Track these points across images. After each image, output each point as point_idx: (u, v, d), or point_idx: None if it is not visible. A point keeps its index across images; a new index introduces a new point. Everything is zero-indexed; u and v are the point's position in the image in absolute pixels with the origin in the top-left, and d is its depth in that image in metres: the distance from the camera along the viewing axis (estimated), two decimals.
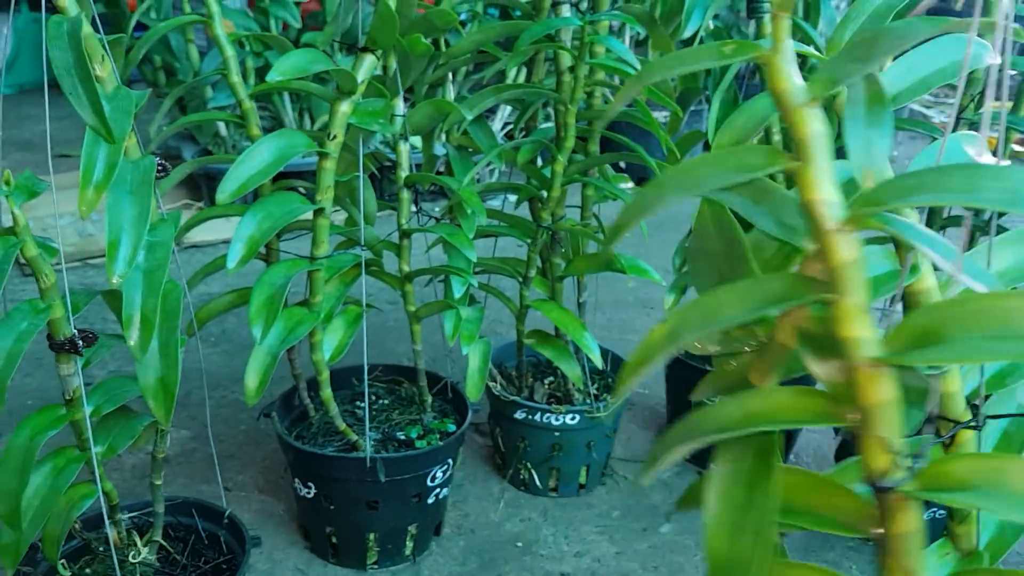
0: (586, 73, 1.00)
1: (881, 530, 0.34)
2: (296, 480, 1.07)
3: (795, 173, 0.35)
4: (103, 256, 1.05)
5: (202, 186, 2.25)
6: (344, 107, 0.90)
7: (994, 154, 0.42)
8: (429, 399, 1.15)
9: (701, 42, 1.16)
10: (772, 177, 0.38)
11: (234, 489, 1.26)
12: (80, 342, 0.73)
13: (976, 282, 0.31)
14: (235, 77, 0.95)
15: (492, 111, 2.18)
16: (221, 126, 2.20)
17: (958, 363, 0.44)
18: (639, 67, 0.99)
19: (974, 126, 1.11)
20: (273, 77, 0.80)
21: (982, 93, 1.14)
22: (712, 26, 1.17)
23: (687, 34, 1.06)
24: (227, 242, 0.84)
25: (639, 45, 2.23)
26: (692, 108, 1.48)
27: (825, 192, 0.34)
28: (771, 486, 0.34)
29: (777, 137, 1.11)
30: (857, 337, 0.34)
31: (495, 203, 1.89)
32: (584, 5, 1.06)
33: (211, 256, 1.31)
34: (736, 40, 0.40)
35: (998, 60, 0.38)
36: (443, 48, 1.14)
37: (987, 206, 0.30)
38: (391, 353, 1.61)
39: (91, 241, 2.01)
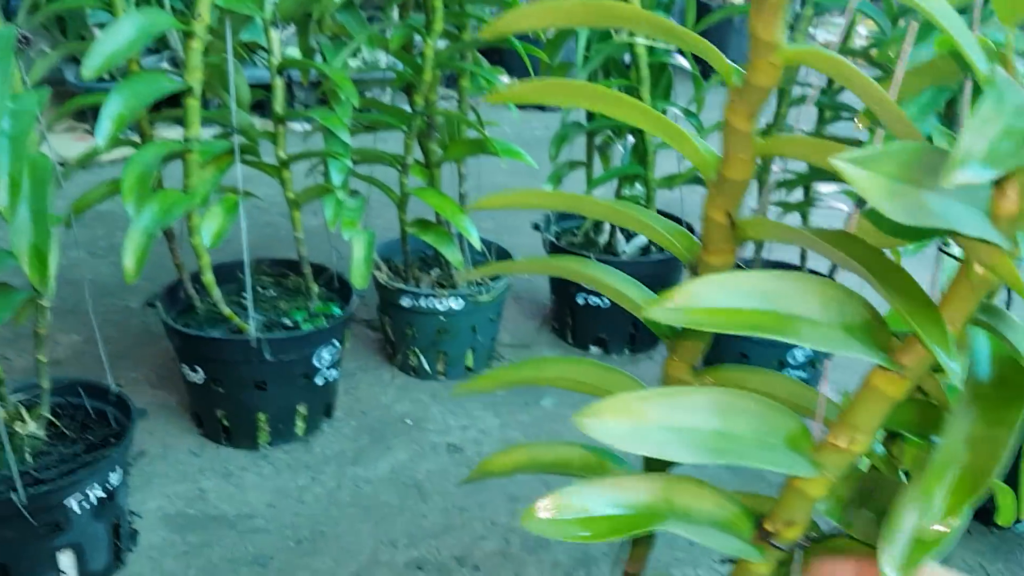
0: None
1: None
2: (184, 366, 1.10)
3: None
4: None
5: (87, 115, 2.20)
6: None
7: None
8: (315, 288, 1.18)
9: None
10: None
11: (127, 385, 1.27)
12: None
13: None
14: None
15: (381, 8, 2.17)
16: None
17: None
18: None
19: None
20: None
21: None
22: None
23: None
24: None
25: None
26: None
27: None
28: None
29: None
30: None
31: None
32: None
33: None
34: None
35: None
36: None
37: None
38: (282, 251, 1.63)
39: None
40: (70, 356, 1.33)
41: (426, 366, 1.29)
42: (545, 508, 0.33)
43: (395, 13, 1.19)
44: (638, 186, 1.38)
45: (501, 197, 0.43)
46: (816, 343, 0.31)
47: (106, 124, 0.84)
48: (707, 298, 0.31)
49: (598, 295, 1.40)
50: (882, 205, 0.26)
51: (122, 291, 1.54)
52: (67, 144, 2.13)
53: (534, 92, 0.41)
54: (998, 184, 0.31)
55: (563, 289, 1.42)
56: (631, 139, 1.38)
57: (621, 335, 1.40)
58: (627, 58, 1.31)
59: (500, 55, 2.49)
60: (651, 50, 1.27)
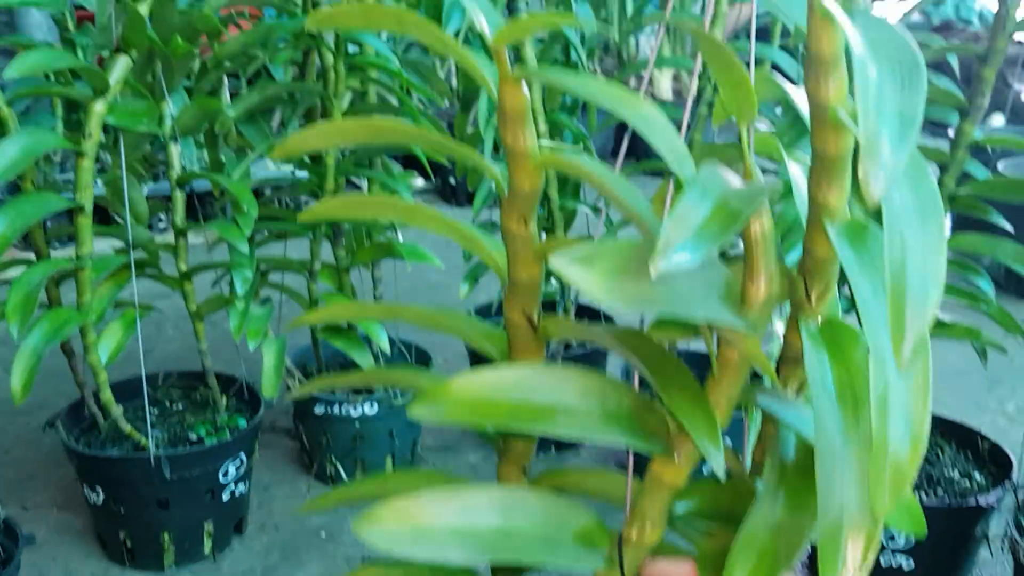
0: (348, 70, 1.06)
1: None
2: (85, 487, 1.06)
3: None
4: None
5: None
6: (98, 106, 0.91)
7: None
8: (222, 399, 1.17)
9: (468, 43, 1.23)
10: None
11: (32, 508, 1.23)
12: None
13: None
14: None
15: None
16: None
17: None
18: (395, 63, 1.05)
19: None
20: (11, 74, 0.81)
21: None
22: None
23: (450, 32, 1.13)
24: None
25: None
26: None
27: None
28: None
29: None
30: None
31: None
32: None
33: None
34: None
35: None
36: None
37: None
38: (196, 362, 1.61)
39: None
40: None
41: (343, 474, 1.27)
42: None
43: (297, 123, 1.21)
44: (553, 281, 1.40)
45: (317, 313, 0.43)
46: (572, 431, 0.31)
47: None
48: (470, 392, 0.32)
49: None
50: (601, 299, 0.27)
51: (35, 408, 1.50)
52: None
53: (342, 208, 0.42)
54: (748, 272, 0.32)
55: None
56: (543, 234, 1.41)
57: None
58: None
59: (412, 159, 2.53)
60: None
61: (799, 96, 0.33)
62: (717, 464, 0.30)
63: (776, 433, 0.37)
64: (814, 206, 0.32)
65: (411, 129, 0.33)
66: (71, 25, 1.20)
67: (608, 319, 1.41)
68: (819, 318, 0.33)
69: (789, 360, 0.37)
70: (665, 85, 3.15)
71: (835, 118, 0.28)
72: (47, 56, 0.84)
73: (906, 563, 0.97)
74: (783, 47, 1.36)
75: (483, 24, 0.29)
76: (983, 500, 0.96)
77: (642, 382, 0.39)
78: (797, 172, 0.33)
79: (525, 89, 0.30)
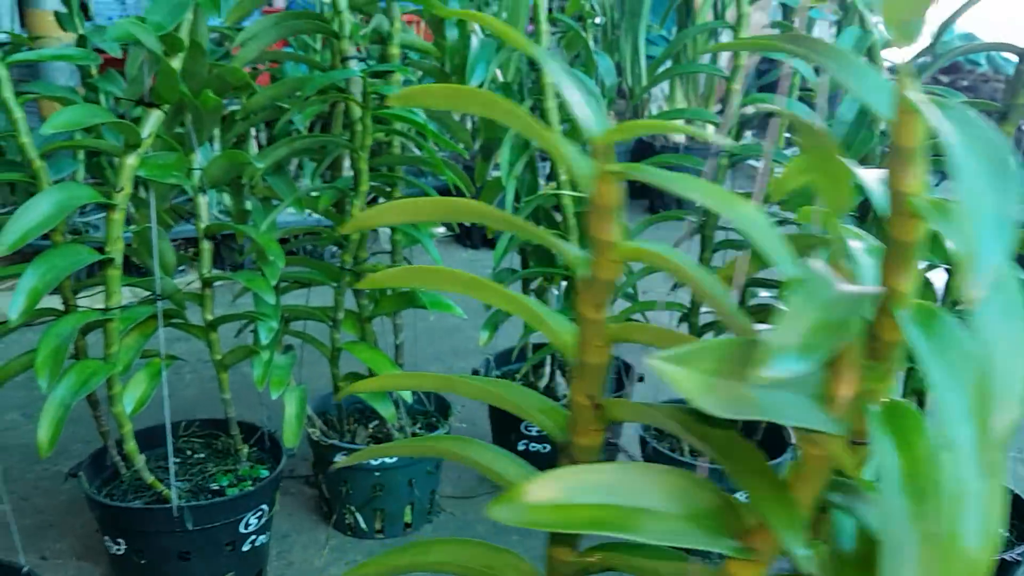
0: (373, 122, 1.06)
1: None
2: (106, 538, 1.06)
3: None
4: None
5: None
6: (131, 160, 0.92)
7: None
8: (244, 449, 1.16)
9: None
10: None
11: (51, 557, 1.22)
12: None
13: None
14: (24, 138, 0.96)
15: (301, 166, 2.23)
16: None
17: None
18: (422, 116, 1.06)
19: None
20: (46, 130, 0.82)
21: None
22: (500, 78, 1.26)
23: (473, 83, 1.15)
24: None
25: None
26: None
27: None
28: None
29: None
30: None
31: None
32: (372, 60, 1.13)
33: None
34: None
35: None
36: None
37: None
38: (215, 409, 1.61)
39: None
40: None
41: (363, 525, 1.26)
42: None
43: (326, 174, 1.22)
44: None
45: (367, 384, 0.43)
46: (659, 537, 0.31)
47: (20, 299, 0.84)
48: (552, 496, 0.31)
49: (539, 441, 1.38)
50: (700, 401, 0.27)
51: (56, 456, 1.50)
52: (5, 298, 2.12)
53: (405, 277, 0.42)
54: (834, 371, 0.31)
55: (504, 436, 1.41)
56: (564, 284, 1.41)
57: None
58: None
59: None
60: (577, 200, 1.31)
61: (867, 179, 0.33)
62: (800, 557, 0.30)
63: (829, 519, 0.37)
64: (885, 291, 0.32)
65: (487, 209, 0.33)
66: (94, 71, 1.21)
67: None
68: (881, 400, 0.33)
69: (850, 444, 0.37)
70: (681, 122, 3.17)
71: (913, 208, 0.28)
72: (82, 112, 0.85)
73: None
74: (801, 99, 1.37)
75: (588, 120, 0.29)
76: (1008, 555, 0.95)
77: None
78: (859, 250, 0.33)
79: (619, 185, 0.31)
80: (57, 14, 1.20)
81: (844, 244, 0.34)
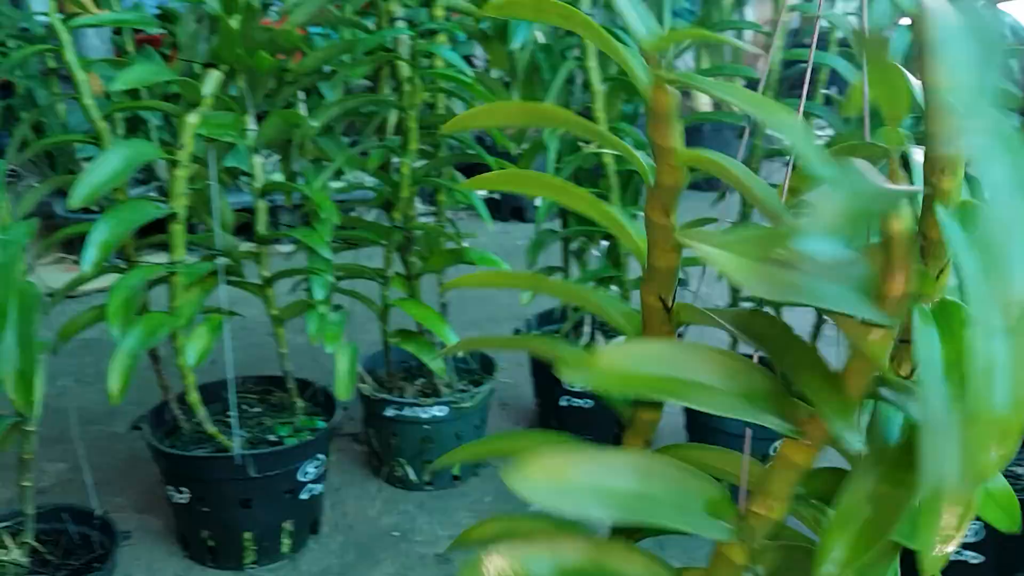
0: (423, 81, 1.09)
1: None
2: (169, 488, 1.10)
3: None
4: None
5: (75, 247, 2.26)
6: (192, 118, 0.96)
7: None
8: (299, 402, 1.20)
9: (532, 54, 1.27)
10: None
11: (113, 511, 1.27)
12: None
13: None
14: (87, 99, 1.00)
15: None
16: None
17: None
18: (470, 74, 1.09)
19: None
20: (116, 87, 0.86)
21: None
22: (542, 39, 1.28)
23: (515, 46, 1.17)
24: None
25: None
26: None
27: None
28: None
29: None
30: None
31: None
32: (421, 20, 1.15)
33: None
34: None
35: None
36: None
37: None
38: (268, 368, 1.66)
39: None
40: (55, 484, 1.33)
41: (412, 476, 1.29)
42: (489, 564, 0.34)
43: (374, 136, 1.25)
44: (614, 288, 1.42)
45: (471, 278, 0.46)
46: (716, 408, 0.33)
47: (92, 251, 0.88)
48: (617, 363, 0.34)
49: (580, 396, 1.41)
50: (746, 282, 0.29)
51: (108, 418, 1.55)
52: (55, 275, 2.18)
53: (502, 180, 0.45)
54: (887, 268, 0.34)
55: (547, 392, 1.44)
56: (605, 243, 1.43)
57: (606, 436, 1.41)
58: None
59: (475, 171, 2.58)
60: (618, 159, 1.33)
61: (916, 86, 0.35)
62: (850, 442, 0.32)
63: (878, 417, 0.39)
64: (929, 191, 0.35)
65: (565, 113, 0.35)
66: (131, 47, 1.24)
67: None
68: (934, 300, 0.35)
69: (899, 344, 0.39)
70: (704, 99, 3.17)
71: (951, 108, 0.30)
72: (148, 70, 0.89)
73: (972, 557, 0.97)
74: (841, 53, 1.37)
75: (638, 28, 0.32)
76: None
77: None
78: (919, 160, 0.35)
79: (674, 91, 0.33)
80: None
81: (902, 150, 0.36)
